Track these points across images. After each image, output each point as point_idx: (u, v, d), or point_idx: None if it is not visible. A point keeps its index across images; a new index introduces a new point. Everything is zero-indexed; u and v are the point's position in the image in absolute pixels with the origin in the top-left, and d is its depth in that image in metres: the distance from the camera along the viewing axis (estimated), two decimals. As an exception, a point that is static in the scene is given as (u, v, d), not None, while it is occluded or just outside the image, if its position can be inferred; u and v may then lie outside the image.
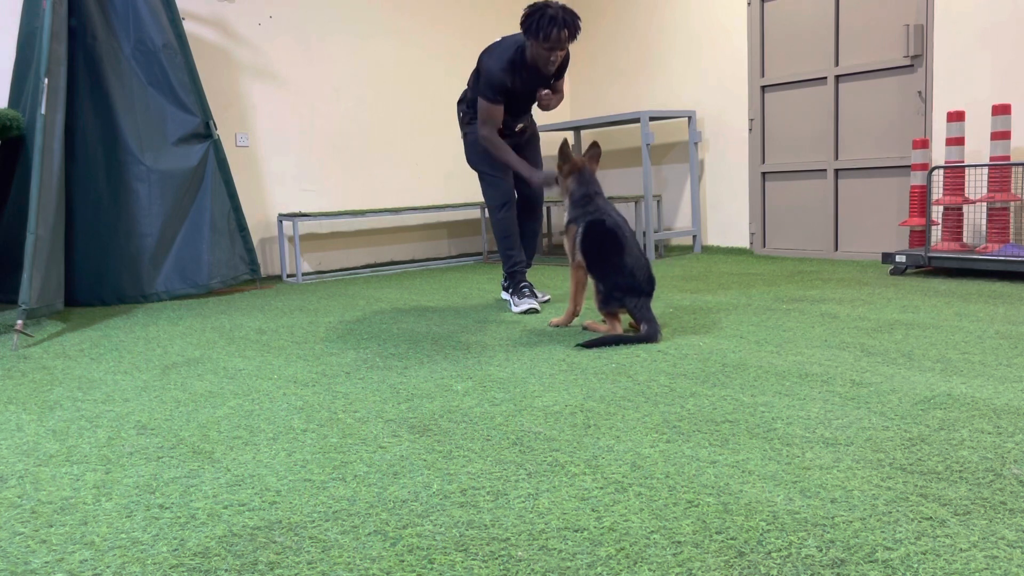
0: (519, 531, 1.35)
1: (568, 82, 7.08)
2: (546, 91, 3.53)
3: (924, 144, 4.56)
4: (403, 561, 1.26)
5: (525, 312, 3.58)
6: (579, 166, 3.13)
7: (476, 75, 3.63)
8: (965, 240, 4.58)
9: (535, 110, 7.00)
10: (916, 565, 1.18)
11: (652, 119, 5.82)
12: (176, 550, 1.34)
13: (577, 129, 6.65)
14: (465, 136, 3.78)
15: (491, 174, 3.69)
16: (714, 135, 5.94)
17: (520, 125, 3.76)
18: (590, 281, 3.03)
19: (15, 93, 4.42)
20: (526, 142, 3.84)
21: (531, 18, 3.25)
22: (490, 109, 3.46)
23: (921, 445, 1.68)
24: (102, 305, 4.40)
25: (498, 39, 3.54)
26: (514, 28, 6.70)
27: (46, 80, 3.85)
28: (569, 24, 3.23)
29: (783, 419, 1.89)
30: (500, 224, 3.71)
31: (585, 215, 3.03)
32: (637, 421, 1.92)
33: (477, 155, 3.73)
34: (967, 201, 4.26)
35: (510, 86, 3.46)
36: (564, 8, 3.24)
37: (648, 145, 5.64)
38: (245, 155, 5.41)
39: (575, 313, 3.17)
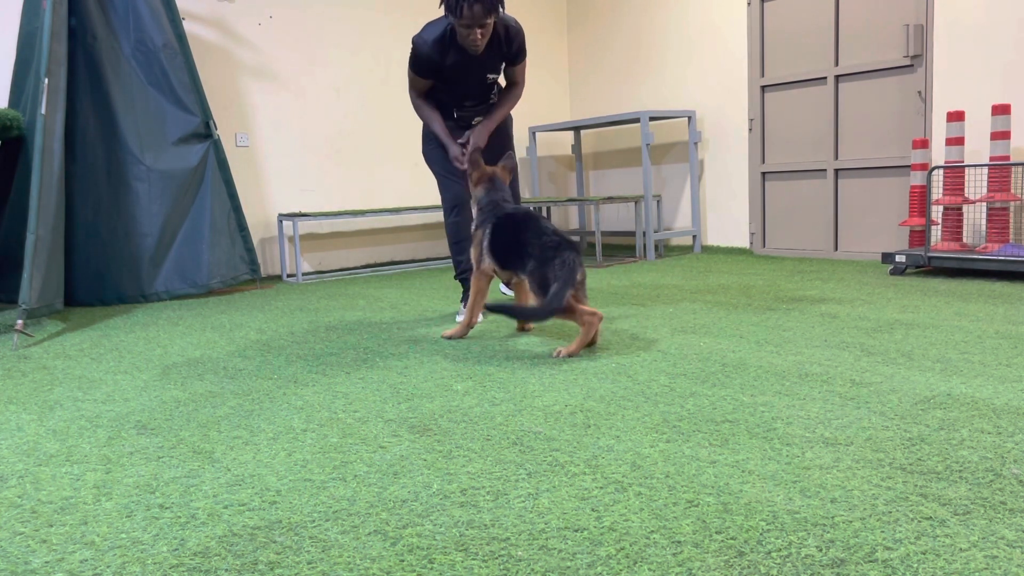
0: (519, 531, 1.35)
1: (568, 82, 7.08)
2: (481, 123, 3.35)
3: (924, 144, 4.56)
4: (403, 561, 1.26)
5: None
6: (489, 175, 3.10)
7: None
8: (965, 240, 4.58)
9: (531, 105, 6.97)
10: (916, 565, 1.18)
11: (652, 119, 5.82)
12: (176, 550, 1.34)
13: (577, 129, 6.65)
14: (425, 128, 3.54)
15: (442, 175, 3.44)
16: (714, 135, 5.94)
17: (478, 119, 3.46)
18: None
19: (15, 93, 4.42)
20: (499, 149, 3.50)
21: None
22: (414, 80, 3.27)
23: (921, 445, 1.68)
24: (102, 305, 4.40)
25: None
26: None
27: (46, 80, 3.84)
28: None
29: (783, 419, 1.89)
30: (448, 229, 3.47)
31: (492, 217, 2.97)
32: (637, 421, 1.92)
33: (426, 153, 3.50)
34: (967, 201, 4.26)
35: (439, 63, 3.20)
36: None
37: (648, 145, 5.64)
38: (245, 155, 5.41)
39: (470, 324, 3.06)
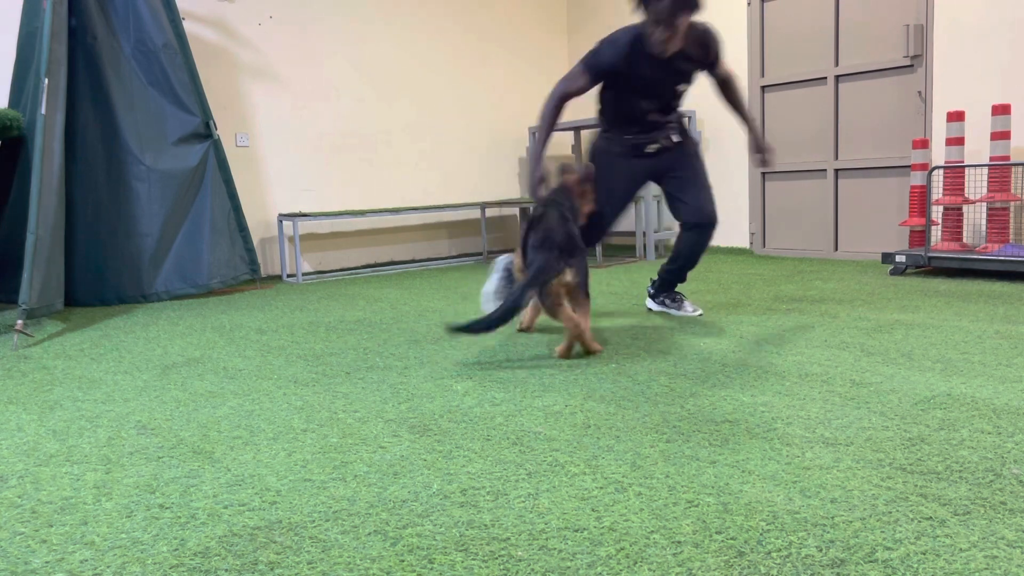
0: (519, 531, 1.35)
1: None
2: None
3: (924, 144, 4.56)
4: (403, 561, 1.26)
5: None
6: (553, 184, 2.97)
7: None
8: (965, 240, 4.58)
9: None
10: (916, 565, 1.18)
11: (652, 119, 5.81)
12: (176, 550, 1.34)
13: (577, 129, 6.65)
14: (592, 146, 3.28)
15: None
16: (714, 135, 5.94)
17: (664, 137, 3.14)
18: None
19: (15, 93, 4.41)
20: (681, 170, 3.17)
21: None
22: (576, 75, 2.96)
23: (921, 445, 1.68)
24: (102, 305, 4.40)
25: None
26: (516, 31, 6.70)
27: (46, 80, 3.84)
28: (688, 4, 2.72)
29: (783, 419, 1.89)
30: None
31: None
32: (637, 421, 1.92)
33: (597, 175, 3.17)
34: (967, 201, 4.26)
35: (625, 68, 2.95)
36: None
37: (648, 145, 5.64)
38: (245, 155, 5.41)
39: (528, 327, 3.11)
